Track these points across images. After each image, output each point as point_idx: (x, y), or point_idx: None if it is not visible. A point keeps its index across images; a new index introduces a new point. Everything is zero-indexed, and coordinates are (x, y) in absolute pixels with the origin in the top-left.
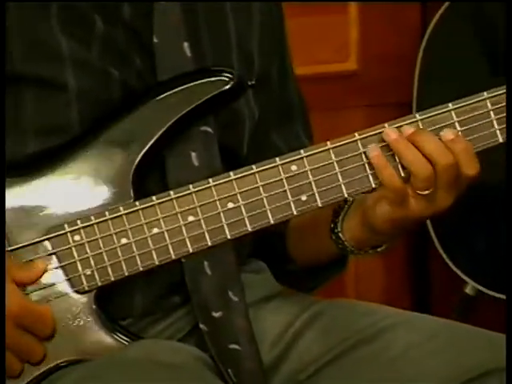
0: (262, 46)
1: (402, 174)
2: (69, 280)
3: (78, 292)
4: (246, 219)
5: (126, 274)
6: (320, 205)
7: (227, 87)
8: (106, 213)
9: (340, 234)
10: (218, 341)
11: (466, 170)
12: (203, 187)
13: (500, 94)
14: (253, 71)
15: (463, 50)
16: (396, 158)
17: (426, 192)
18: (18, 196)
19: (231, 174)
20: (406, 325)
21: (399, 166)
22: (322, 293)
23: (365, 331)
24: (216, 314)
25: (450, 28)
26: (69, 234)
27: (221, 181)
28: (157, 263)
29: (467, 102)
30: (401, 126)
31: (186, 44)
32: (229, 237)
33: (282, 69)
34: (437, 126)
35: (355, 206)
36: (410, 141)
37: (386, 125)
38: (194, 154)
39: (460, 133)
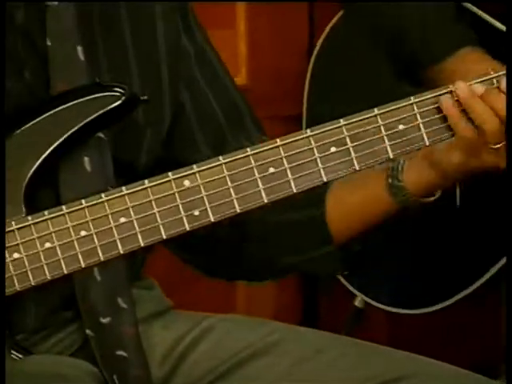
0: (170, 54)
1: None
2: None
3: None
4: (139, 234)
5: (18, 289)
6: (212, 220)
7: (118, 103)
8: None
9: (402, 184)
10: (104, 346)
11: None
12: (95, 202)
13: (390, 111)
14: (160, 78)
15: (354, 64)
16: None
17: (498, 146)
18: None
19: (123, 188)
20: (295, 339)
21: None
22: (213, 308)
23: (254, 345)
24: (104, 320)
25: (339, 42)
26: None
27: (113, 195)
28: (49, 278)
29: (358, 118)
30: (323, 131)
31: (79, 48)
32: (121, 252)
33: (207, 71)
34: (327, 141)
35: (417, 159)
36: (482, 98)
37: (278, 140)
38: (86, 159)
39: (351, 148)
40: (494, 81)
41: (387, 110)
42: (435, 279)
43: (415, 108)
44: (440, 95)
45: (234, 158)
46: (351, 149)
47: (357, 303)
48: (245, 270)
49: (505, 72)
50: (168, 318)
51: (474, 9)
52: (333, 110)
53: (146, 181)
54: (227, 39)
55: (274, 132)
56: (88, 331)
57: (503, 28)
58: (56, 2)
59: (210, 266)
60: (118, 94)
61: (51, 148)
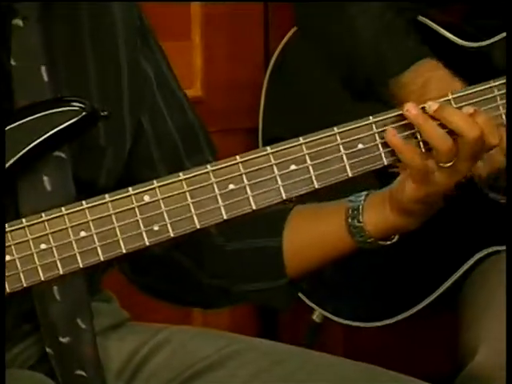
0: (131, 75)
1: (423, 150)
2: None
3: None
4: (99, 248)
5: None
6: (172, 235)
7: (77, 118)
8: None
9: (361, 225)
10: (64, 366)
11: (489, 139)
12: (55, 215)
13: (349, 130)
14: (121, 99)
15: (309, 77)
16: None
17: (449, 164)
18: None
19: (84, 202)
20: (252, 351)
21: (419, 142)
22: (169, 320)
23: (211, 357)
24: (63, 340)
25: (295, 55)
26: None
27: (73, 209)
28: (8, 291)
29: (318, 136)
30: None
31: (43, 68)
32: (81, 265)
33: (165, 92)
34: (287, 159)
35: (378, 197)
36: (435, 117)
37: (237, 157)
38: (46, 179)
39: (310, 166)
40: (452, 103)
41: (347, 128)
42: (392, 293)
43: (374, 127)
44: (398, 115)
45: (194, 174)
46: (310, 167)
47: (315, 317)
48: (199, 297)
49: (463, 93)
50: (125, 330)
51: (428, 22)
52: (288, 123)
53: (107, 195)
54: (182, 51)
55: (229, 144)
56: (48, 349)
57: (456, 40)
58: (21, 23)
59: (164, 291)
60: (77, 108)
61: (10, 162)
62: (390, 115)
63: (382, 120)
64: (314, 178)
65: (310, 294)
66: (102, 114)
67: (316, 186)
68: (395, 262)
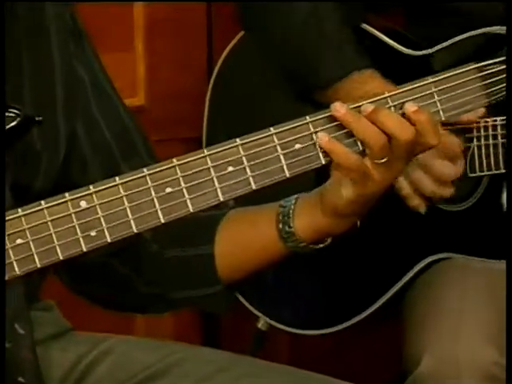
0: (65, 80)
1: (360, 149)
2: None
3: None
4: (35, 255)
5: None
6: (109, 240)
7: (12, 125)
8: None
9: (292, 230)
10: (6, 372)
11: (428, 139)
12: None
13: (286, 130)
14: (55, 104)
15: (253, 86)
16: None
17: (383, 160)
18: None
19: (19, 210)
20: (195, 359)
21: (353, 141)
22: (112, 329)
23: (154, 366)
24: (7, 345)
25: (238, 64)
26: None
27: (9, 217)
28: None
29: (254, 137)
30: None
31: None
32: (18, 273)
33: (100, 99)
34: (224, 161)
35: (309, 200)
36: (369, 119)
37: (174, 160)
38: None
39: (247, 167)
40: (389, 101)
41: (283, 129)
42: (336, 301)
43: (311, 127)
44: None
45: (130, 179)
46: (248, 168)
47: (260, 325)
48: (137, 304)
49: (397, 92)
50: (66, 339)
51: (370, 29)
52: (232, 131)
53: (43, 202)
54: (125, 61)
55: (173, 154)
56: None
57: (400, 47)
58: None
59: (102, 298)
60: (12, 114)
61: None
62: (326, 114)
63: (318, 119)
64: (251, 179)
65: (254, 302)
66: (36, 119)
67: (253, 188)
68: (340, 270)
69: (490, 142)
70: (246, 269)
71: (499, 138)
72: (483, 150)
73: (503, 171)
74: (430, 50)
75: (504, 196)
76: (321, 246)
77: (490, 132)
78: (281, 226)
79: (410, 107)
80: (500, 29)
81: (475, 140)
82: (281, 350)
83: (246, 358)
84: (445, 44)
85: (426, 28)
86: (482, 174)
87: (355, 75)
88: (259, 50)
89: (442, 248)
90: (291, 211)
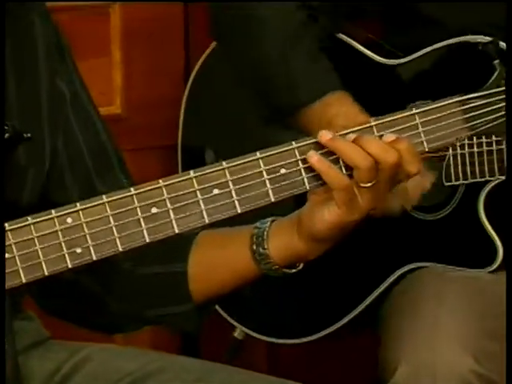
0: (50, 95)
1: (345, 173)
2: None
3: None
4: (21, 270)
5: None
6: (94, 258)
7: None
8: None
9: (266, 252)
10: None
11: (408, 167)
12: None
13: (272, 155)
14: (40, 118)
15: (227, 95)
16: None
17: (369, 184)
18: None
19: (6, 225)
20: (174, 367)
21: (341, 167)
22: (91, 338)
23: (133, 375)
24: None
25: (214, 72)
26: None
27: None
28: None
29: (241, 161)
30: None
31: None
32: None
33: (80, 115)
34: (210, 183)
35: (285, 223)
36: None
37: (161, 180)
38: None
39: (233, 191)
40: (374, 130)
41: (269, 154)
42: (313, 310)
43: (296, 153)
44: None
45: (117, 197)
46: (233, 192)
47: (236, 334)
48: (108, 322)
49: (385, 119)
50: (46, 347)
51: (345, 38)
52: (208, 139)
53: (29, 217)
54: (102, 68)
55: (149, 162)
56: None
57: (375, 56)
58: None
59: (72, 315)
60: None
61: None
62: (312, 140)
63: (304, 145)
64: (236, 202)
65: (231, 312)
66: (24, 136)
67: (239, 211)
68: (317, 279)
69: (466, 150)
70: (219, 289)
71: (475, 147)
72: (459, 159)
73: (479, 180)
74: (404, 60)
75: (480, 204)
76: (293, 270)
77: (466, 141)
78: (255, 247)
79: (388, 138)
80: (473, 38)
81: (451, 149)
82: (257, 358)
83: (224, 367)
84: (419, 53)
85: (402, 37)
86: (458, 182)
87: (326, 98)
88: (228, 67)
89: (418, 257)
90: (266, 233)
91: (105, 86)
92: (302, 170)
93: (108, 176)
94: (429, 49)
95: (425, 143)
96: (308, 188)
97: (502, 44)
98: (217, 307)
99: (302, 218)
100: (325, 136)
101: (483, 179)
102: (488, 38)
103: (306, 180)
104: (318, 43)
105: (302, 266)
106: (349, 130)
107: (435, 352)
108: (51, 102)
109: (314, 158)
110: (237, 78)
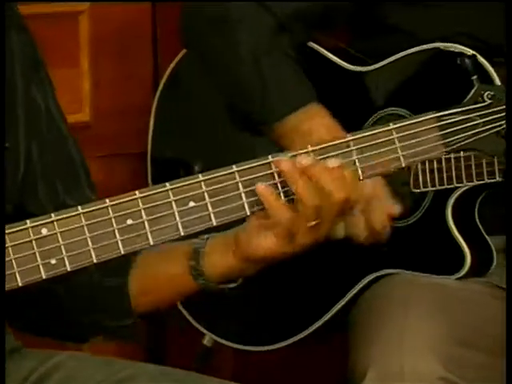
0: (26, 104)
1: (283, 198)
2: None
3: None
4: None
5: None
6: (69, 269)
7: None
8: None
9: (202, 268)
10: None
11: (353, 196)
12: None
13: (249, 168)
14: (17, 126)
15: (197, 102)
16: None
17: (313, 223)
18: None
19: None
20: (144, 375)
21: (281, 193)
22: (57, 346)
23: (104, 382)
24: None
25: (183, 79)
26: None
27: None
28: None
29: (217, 174)
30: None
31: None
32: None
33: (52, 128)
34: (186, 195)
35: (221, 241)
36: (305, 172)
37: (137, 192)
38: None
39: (209, 203)
40: (351, 145)
41: (246, 167)
42: (281, 317)
43: (273, 167)
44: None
45: (92, 209)
46: (209, 204)
47: (205, 342)
48: (69, 331)
49: (359, 136)
50: (16, 356)
51: (315, 46)
52: (178, 146)
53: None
54: (71, 77)
55: (118, 169)
56: None
57: (344, 64)
58: None
59: (39, 328)
60: None
61: None
62: (289, 154)
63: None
64: (212, 215)
65: (199, 319)
66: (5, 145)
67: (214, 224)
68: (285, 286)
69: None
70: (159, 302)
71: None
72: (427, 166)
73: (447, 187)
74: (372, 67)
75: (448, 211)
76: (231, 285)
77: None
78: (191, 263)
79: (332, 163)
80: (444, 45)
81: None
82: (226, 365)
83: (193, 375)
84: (388, 60)
85: (370, 44)
86: (426, 189)
87: (300, 110)
88: (199, 74)
89: (387, 264)
90: (202, 249)
91: (73, 94)
92: (278, 184)
93: (76, 192)
94: (399, 55)
95: (401, 158)
96: (248, 213)
97: (481, 59)
98: (185, 314)
99: (238, 238)
100: (278, 164)
101: (451, 186)
102: (460, 47)
103: (282, 194)
104: (290, 51)
105: (240, 281)
106: (324, 145)
107: (404, 358)
108: (26, 109)
109: (262, 185)
110: (210, 84)
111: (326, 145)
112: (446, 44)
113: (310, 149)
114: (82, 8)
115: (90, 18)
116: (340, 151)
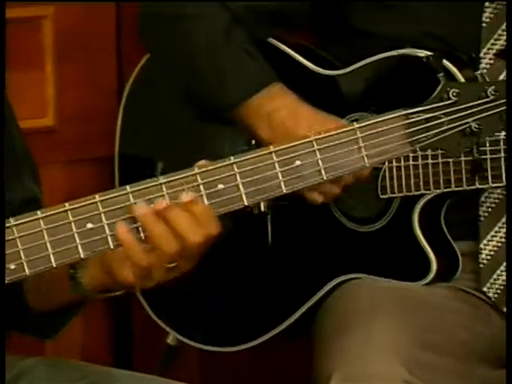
0: None
1: (149, 250)
2: None
3: None
4: None
5: None
6: (28, 274)
7: None
8: None
9: (80, 278)
10: None
11: (210, 230)
12: None
13: (209, 170)
14: None
15: (163, 104)
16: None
17: (173, 265)
18: None
19: None
20: (109, 381)
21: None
22: (20, 350)
23: None
24: None
25: (148, 81)
26: None
27: None
28: None
29: (178, 176)
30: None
31: None
32: None
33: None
34: (147, 198)
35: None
36: (160, 216)
37: (96, 195)
38: None
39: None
40: (314, 144)
41: (208, 169)
42: (247, 317)
43: (235, 168)
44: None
45: (51, 213)
46: None
47: (169, 341)
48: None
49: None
50: None
51: (280, 45)
52: (146, 149)
53: None
54: (35, 81)
55: (84, 174)
56: None
57: (312, 66)
58: None
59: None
60: None
61: None
62: (249, 156)
63: (243, 161)
64: None
65: (163, 317)
66: None
67: None
68: (250, 288)
69: (402, 163)
70: (51, 304)
71: (410, 160)
72: (394, 172)
73: (415, 193)
74: (343, 71)
75: (415, 218)
76: (112, 294)
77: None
78: (71, 270)
79: (185, 197)
80: (414, 51)
81: (386, 162)
82: (191, 366)
83: (157, 380)
84: (358, 65)
85: (338, 47)
86: (394, 195)
87: (262, 92)
88: (157, 69)
89: (353, 269)
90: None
91: (37, 99)
92: (240, 186)
93: (18, 187)
94: (368, 60)
95: (365, 158)
96: (246, 204)
97: (444, 60)
98: (149, 312)
99: (104, 258)
100: (133, 210)
101: (419, 193)
102: (427, 53)
103: (243, 196)
104: (248, 45)
105: (122, 291)
106: (287, 146)
107: (367, 362)
108: None
109: (123, 228)
110: (168, 80)
111: (289, 145)
112: (414, 50)
113: (272, 149)
114: (45, 13)
115: (54, 22)
116: (303, 151)
